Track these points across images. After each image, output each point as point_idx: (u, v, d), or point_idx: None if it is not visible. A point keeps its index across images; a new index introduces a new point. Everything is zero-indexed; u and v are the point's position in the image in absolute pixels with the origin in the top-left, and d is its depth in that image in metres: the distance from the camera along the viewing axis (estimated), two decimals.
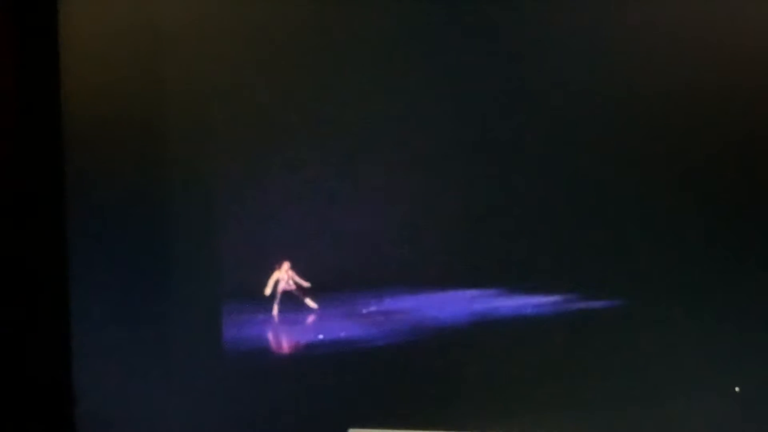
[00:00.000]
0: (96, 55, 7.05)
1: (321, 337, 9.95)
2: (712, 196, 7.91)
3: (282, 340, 9.39)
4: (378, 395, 7.85)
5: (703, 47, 8.03)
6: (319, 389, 7.74)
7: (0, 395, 5.73)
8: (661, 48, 8.58)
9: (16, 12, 5.98)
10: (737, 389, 6.83)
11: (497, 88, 9.17)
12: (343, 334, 10.30)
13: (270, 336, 9.77)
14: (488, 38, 9.55)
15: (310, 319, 11.22)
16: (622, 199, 9.19)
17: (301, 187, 13.64)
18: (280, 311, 12.04)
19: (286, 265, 10.73)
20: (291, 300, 10.54)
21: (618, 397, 7.71)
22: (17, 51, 6.10)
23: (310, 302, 10.71)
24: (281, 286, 10.69)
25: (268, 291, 10.17)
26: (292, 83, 9.88)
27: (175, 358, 7.07)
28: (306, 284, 10.56)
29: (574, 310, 10.85)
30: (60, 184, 6.38)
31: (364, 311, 12.02)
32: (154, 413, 6.73)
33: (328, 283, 12.03)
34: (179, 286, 7.09)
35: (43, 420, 5.99)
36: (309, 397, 7.61)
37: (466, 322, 11.13)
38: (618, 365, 8.08)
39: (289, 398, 7.67)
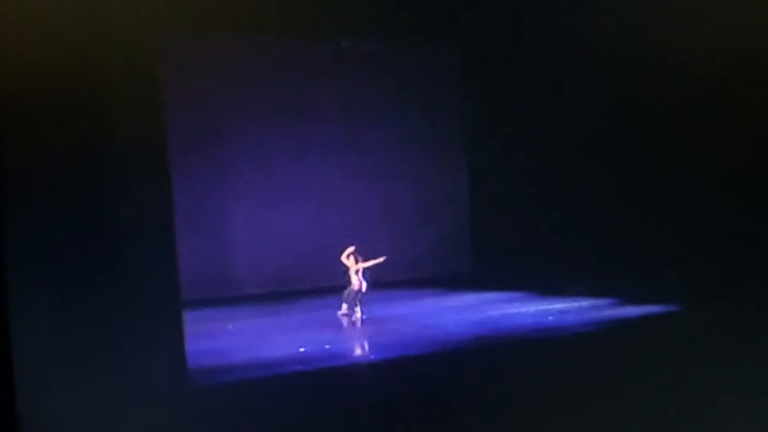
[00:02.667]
0: (29, 48, 6.02)
1: (302, 350, 8.94)
2: None
3: (255, 354, 8.30)
4: (368, 419, 6.92)
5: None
6: (298, 411, 6.79)
7: None
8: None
9: None
10: None
11: (534, 84, 8.46)
12: (327, 347, 9.25)
13: (242, 350, 8.60)
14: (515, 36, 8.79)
15: (288, 328, 9.93)
16: (681, 200, 8.40)
17: (277, 183, 11.90)
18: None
19: (354, 259, 9.65)
20: (355, 300, 9.31)
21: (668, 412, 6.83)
22: None
23: (356, 313, 9.46)
24: (354, 283, 9.59)
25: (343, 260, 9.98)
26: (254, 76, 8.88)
27: (132, 378, 6.18)
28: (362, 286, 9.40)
29: (617, 316, 9.69)
30: None
31: (353, 319, 10.72)
32: None
33: (307, 287, 10.76)
34: (133, 293, 6.24)
35: None
36: (285, 420, 6.69)
37: (477, 333, 9.96)
38: (657, 380, 7.18)
39: (262, 422, 6.74)
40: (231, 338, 9.34)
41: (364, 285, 10.11)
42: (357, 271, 10.14)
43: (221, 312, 10.69)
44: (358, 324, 9.90)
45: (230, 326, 9.97)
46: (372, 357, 8.31)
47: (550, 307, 10.41)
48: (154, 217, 7.03)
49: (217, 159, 12.09)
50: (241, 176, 12.23)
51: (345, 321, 9.89)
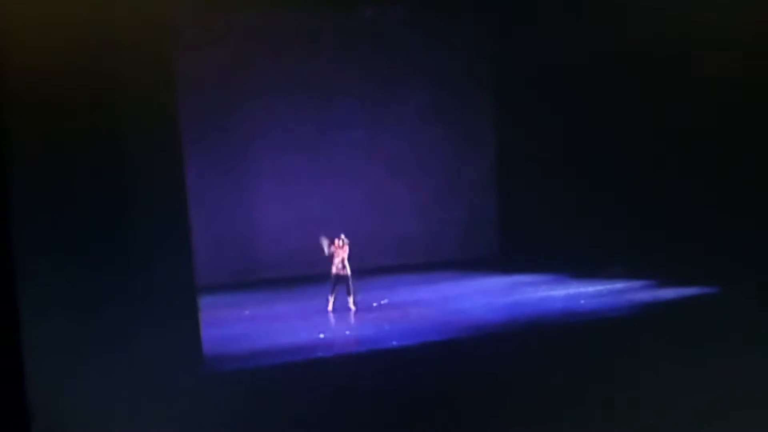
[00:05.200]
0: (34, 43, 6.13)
1: (321, 336, 8.96)
2: None
3: (274, 340, 8.35)
4: (390, 406, 6.93)
5: None
6: (317, 400, 6.82)
7: None
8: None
9: None
10: None
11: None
12: (348, 333, 9.26)
13: (260, 336, 8.68)
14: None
15: (308, 313, 9.93)
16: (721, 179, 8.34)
17: (296, 164, 11.79)
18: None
19: (339, 243, 9.61)
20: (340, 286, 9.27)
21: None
22: None
23: (351, 302, 9.54)
24: (335, 269, 9.60)
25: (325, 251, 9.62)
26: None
27: (147, 365, 6.25)
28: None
29: (651, 299, 9.64)
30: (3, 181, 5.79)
31: (375, 304, 10.82)
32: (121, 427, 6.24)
33: (327, 271, 10.73)
34: (148, 281, 6.29)
35: None
36: (305, 409, 6.70)
37: (506, 317, 9.93)
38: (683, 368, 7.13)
39: (280, 411, 6.78)
40: (248, 324, 9.38)
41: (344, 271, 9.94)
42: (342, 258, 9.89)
43: (238, 297, 10.65)
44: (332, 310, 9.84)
45: (247, 312, 10.01)
46: (395, 342, 8.30)
47: (581, 290, 10.33)
48: (167, 203, 7.04)
49: (234, 141, 12.09)
50: (258, 158, 12.22)
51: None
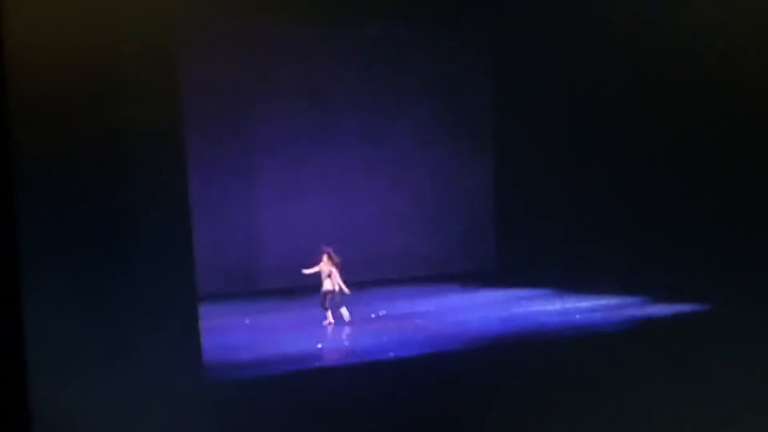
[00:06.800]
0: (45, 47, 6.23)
1: (319, 346, 9.11)
2: None
3: (273, 350, 8.51)
4: (387, 416, 7.08)
5: None
6: (315, 409, 6.96)
7: None
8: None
9: None
10: None
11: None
12: (346, 344, 9.40)
13: (259, 345, 8.83)
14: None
15: (306, 323, 10.11)
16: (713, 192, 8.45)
17: (297, 175, 11.92)
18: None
19: (328, 258, 9.71)
20: (330, 302, 9.49)
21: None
22: None
23: (345, 312, 9.76)
24: (326, 285, 9.72)
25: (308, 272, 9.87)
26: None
27: (147, 373, 6.39)
28: (346, 290, 9.67)
29: (646, 315, 9.73)
30: (8, 183, 5.91)
31: (373, 316, 11.02)
32: None
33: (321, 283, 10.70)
34: (149, 287, 6.42)
35: None
36: (303, 418, 6.85)
37: (502, 330, 10.06)
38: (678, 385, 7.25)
39: (279, 420, 6.92)
40: (248, 333, 9.51)
41: (338, 287, 9.95)
42: (330, 274, 9.98)
43: (238, 306, 10.79)
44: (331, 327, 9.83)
45: (247, 321, 10.15)
46: (392, 354, 8.42)
47: (577, 304, 10.47)
48: (170, 210, 7.06)
49: (236, 151, 12.27)
50: (261, 168, 12.40)
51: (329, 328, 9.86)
